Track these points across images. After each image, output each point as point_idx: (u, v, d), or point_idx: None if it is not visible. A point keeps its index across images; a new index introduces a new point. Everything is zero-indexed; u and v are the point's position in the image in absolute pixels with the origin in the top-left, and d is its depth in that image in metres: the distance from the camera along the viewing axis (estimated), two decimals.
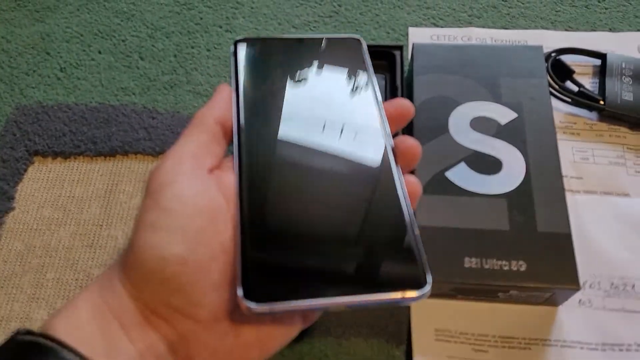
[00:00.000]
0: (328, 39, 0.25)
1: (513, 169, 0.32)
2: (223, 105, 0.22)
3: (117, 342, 0.17)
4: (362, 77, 0.24)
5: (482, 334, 0.29)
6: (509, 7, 0.42)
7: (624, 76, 0.37)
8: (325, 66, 0.24)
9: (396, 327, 0.29)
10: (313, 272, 0.17)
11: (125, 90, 0.38)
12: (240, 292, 0.17)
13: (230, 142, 0.22)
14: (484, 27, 0.41)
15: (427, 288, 0.17)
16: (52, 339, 0.16)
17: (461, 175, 0.31)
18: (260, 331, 0.18)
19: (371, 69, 0.24)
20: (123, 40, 0.40)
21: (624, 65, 0.37)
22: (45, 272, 0.32)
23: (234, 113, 0.22)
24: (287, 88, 0.23)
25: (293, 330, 0.19)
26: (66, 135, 0.36)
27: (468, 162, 0.32)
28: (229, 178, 0.20)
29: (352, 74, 0.24)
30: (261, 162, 0.20)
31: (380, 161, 0.21)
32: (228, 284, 0.18)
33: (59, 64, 0.39)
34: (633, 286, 0.31)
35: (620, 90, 0.36)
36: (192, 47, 0.40)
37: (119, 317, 0.17)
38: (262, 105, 0.22)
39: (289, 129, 0.21)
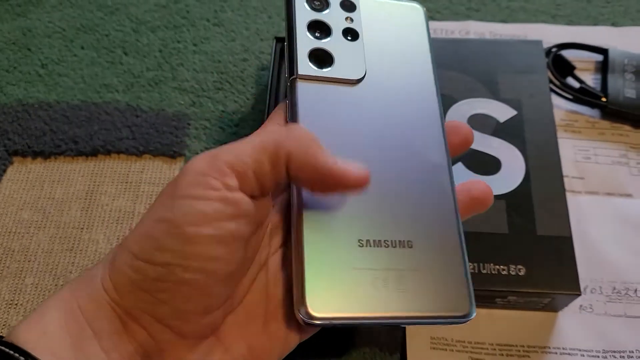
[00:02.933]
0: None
1: (512, 169, 0.30)
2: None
3: (88, 351, 0.16)
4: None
5: (479, 342, 0.28)
6: (509, 0, 0.41)
7: (626, 72, 0.36)
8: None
9: (390, 335, 0.28)
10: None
11: (108, 87, 0.36)
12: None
13: None
14: (482, 20, 0.40)
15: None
16: (16, 348, 0.15)
17: (458, 176, 0.30)
18: (252, 347, 0.17)
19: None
20: (106, 35, 0.38)
21: (626, 61, 0.36)
22: (24, 277, 0.30)
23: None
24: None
25: (287, 346, 0.18)
26: (46, 134, 0.34)
27: (466, 161, 0.30)
28: (264, 201, 0.18)
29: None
30: None
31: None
32: (223, 307, 0.17)
33: (40, 60, 0.38)
34: (635, 291, 0.30)
35: (623, 87, 0.35)
36: (178, 42, 0.38)
37: (93, 323, 0.16)
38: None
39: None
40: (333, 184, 0.17)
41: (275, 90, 0.33)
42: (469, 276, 0.19)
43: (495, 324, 0.29)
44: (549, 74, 0.36)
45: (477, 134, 0.31)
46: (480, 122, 0.32)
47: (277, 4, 0.40)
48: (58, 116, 0.35)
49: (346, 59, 0.21)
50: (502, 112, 0.32)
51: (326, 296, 0.17)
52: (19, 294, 0.30)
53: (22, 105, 0.36)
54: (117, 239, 0.31)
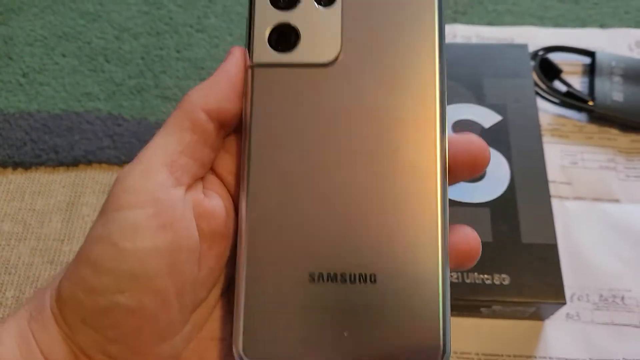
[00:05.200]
0: None
1: (497, 176, 0.30)
2: (225, 87, 0.16)
3: None
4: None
5: (465, 351, 0.28)
6: (496, 3, 0.40)
7: (613, 75, 0.35)
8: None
9: None
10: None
11: (89, 96, 0.36)
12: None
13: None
14: (469, 24, 0.39)
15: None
16: None
17: None
18: None
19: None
20: (88, 43, 0.38)
21: (613, 64, 0.35)
22: (5, 290, 0.30)
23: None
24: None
25: None
26: (27, 144, 0.34)
27: None
28: (211, 203, 0.16)
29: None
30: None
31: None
32: (182, 335, 0.16)
33: (22, 69, 0.37)
34: (622, 298, 0.29)
35: (610, 91, 0.34)
36: (161, 49, 0.38)
37: (48, 356, 0.15)
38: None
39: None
40: (241, 85, 0.17)
41: None
42: (447, 315, 0.15)
43: (481, 333, 0.28)
44: (536, 77, 0.35)
45: None
46: (465, 128, 0.31)
47: None
48: (39, 126, 0.35)
49: (315, 34, 0.17)
50: (487, 117, 0.32)
51: (265, 338, 0.15)
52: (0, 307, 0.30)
53: (3, 115, 0.35)
54: None
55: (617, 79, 0.35)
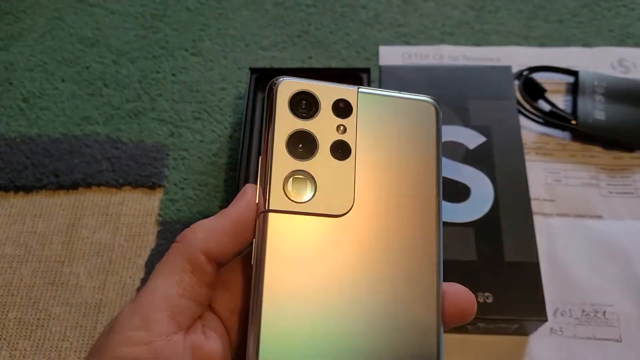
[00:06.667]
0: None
1: (481, 196, 0.31)
2: (228, 230, 0.17)
3: None
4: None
5: None
6: (482, 24, 0.41)
7: (596, 94, 0.36)
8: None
9: None
10: None
11: (88, 120, 0.37)
12: None
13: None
14: (456, 44, 0.40)
15: None
16: None
17: None
18: None
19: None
20: (87, 67, 0.39)
21: (596, 83, 0.37)
22: (7, 312, 0.31)
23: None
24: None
25: None
26: (28, 168, 0.35)
27: None
28: (210, 346, 0.16)
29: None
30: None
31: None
32: None
33: (22, 94, 0.38)
34: (604, 313, 0.30)
35: (593, 110, 0.36)
36: (157, 72, 0.39)
37: None
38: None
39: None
40: (249, 228, 0.17)
41: (251, 121, 0.34)
42: None
43: (468, 349, 0.29)
44: (520, 97, 0.36)
45: (446, 162, 0.32)
46: (450, 150, 0.32)
47: (254, 31, 0.41)
48: (39, 150, 0.36)
49: (331, 186, 0.18)
50: (472, 138, 0.33)
51: None
52: (2, 328, 0.31)
53: (4, 140, 0.36)
54: (97, 272, 0.32)
55: (599, 97, 0.36)
